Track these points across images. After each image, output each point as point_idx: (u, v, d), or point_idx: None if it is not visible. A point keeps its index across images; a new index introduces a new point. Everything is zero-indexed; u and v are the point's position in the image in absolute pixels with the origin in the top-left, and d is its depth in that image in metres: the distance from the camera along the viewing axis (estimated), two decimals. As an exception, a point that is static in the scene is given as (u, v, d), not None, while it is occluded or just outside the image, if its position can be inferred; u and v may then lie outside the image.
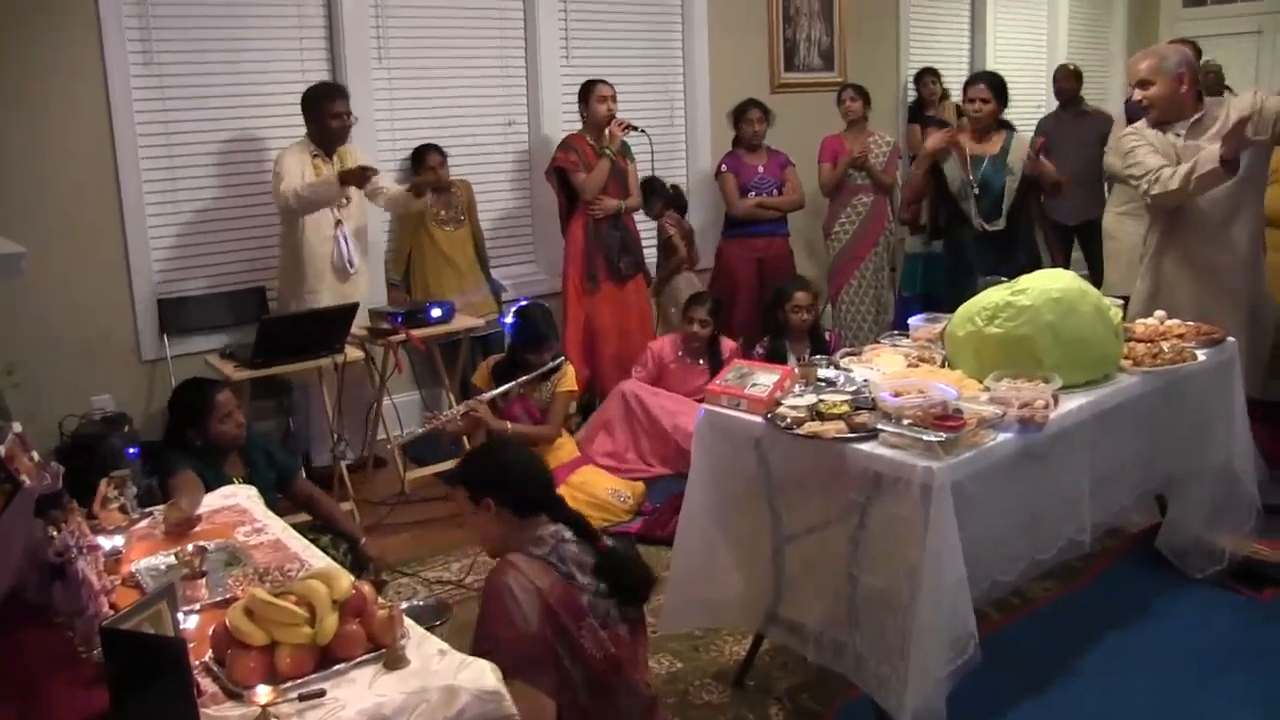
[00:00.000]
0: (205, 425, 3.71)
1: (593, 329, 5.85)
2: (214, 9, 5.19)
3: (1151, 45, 9.58)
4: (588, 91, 5.83)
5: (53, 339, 4.80)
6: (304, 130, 5.09)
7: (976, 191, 5.28)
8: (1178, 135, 4.20)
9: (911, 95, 8.33)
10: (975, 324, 3.29)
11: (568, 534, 2.60)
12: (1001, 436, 2.90)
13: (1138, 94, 4.24)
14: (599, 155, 5.77)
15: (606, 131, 5.78)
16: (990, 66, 8.79)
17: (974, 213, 5.30)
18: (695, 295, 5.66)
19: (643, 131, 5.93)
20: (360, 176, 4.94)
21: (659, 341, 5.61)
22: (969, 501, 2.71)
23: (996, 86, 5.41)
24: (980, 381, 3.18)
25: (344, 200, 5.08)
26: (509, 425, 4.74)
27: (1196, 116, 4.19)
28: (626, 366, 5.68)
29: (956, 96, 8.30)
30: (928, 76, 8.06)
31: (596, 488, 4.74)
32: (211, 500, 3.13)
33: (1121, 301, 3.79)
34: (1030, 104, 9.04)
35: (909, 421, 2.79)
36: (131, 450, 4.46)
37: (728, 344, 5.61)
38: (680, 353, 5.51)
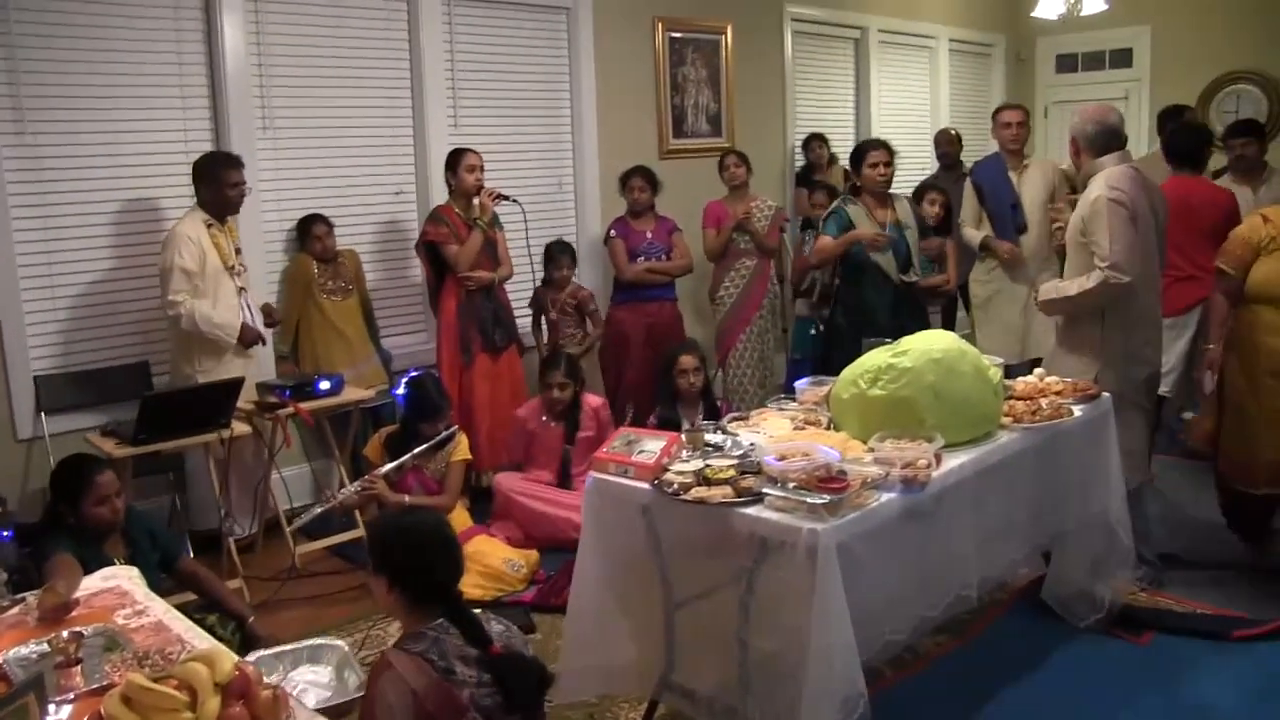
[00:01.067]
0: (79, 505, 3.64)
1: (469, 404, 5.80)
2: (92, 77, 5.12)
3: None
4: (455, 160, 5.80)
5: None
6: (189, 199, 5.05)
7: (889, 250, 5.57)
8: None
9: (799, 161, 8.53)
10: (859, 386, 3.38)
11: (451, 630, 2.49)
12: (885, 496, 2.96)
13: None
14: (470, 226, 5.77)
15: (477, 202, 5.77)
16: (875, 131, 9.08)
17: (894, 268, 5.54)
18: (549, 359, 5.65)
19: (515, 201, 5.96)
20: (256, 339, 5.12)
21: (524, 408, 5.60)
22: (856, 562, 2.76)
23: (891, 151, 5.72)
24: (864, 443, 3.26)
25: (242, 268, 5.04)
26: (406, 499, 4.71)
27: None
28: (501, 441, 5.67)
29: (844, 163, 8.57)
30: (815, 142, 8.28)
31: (491, 557, 4.72)
32: (91, 583, 3.06)
33: (1001, 361, 3.91)
34: (915, 167, 9.31)
35: (794, 484, 2.85)
36: (5, 533, 4.32)
37: (590, 400, 5.62)
38: (544, 417, 5.51)
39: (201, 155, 5.10)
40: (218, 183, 4.99)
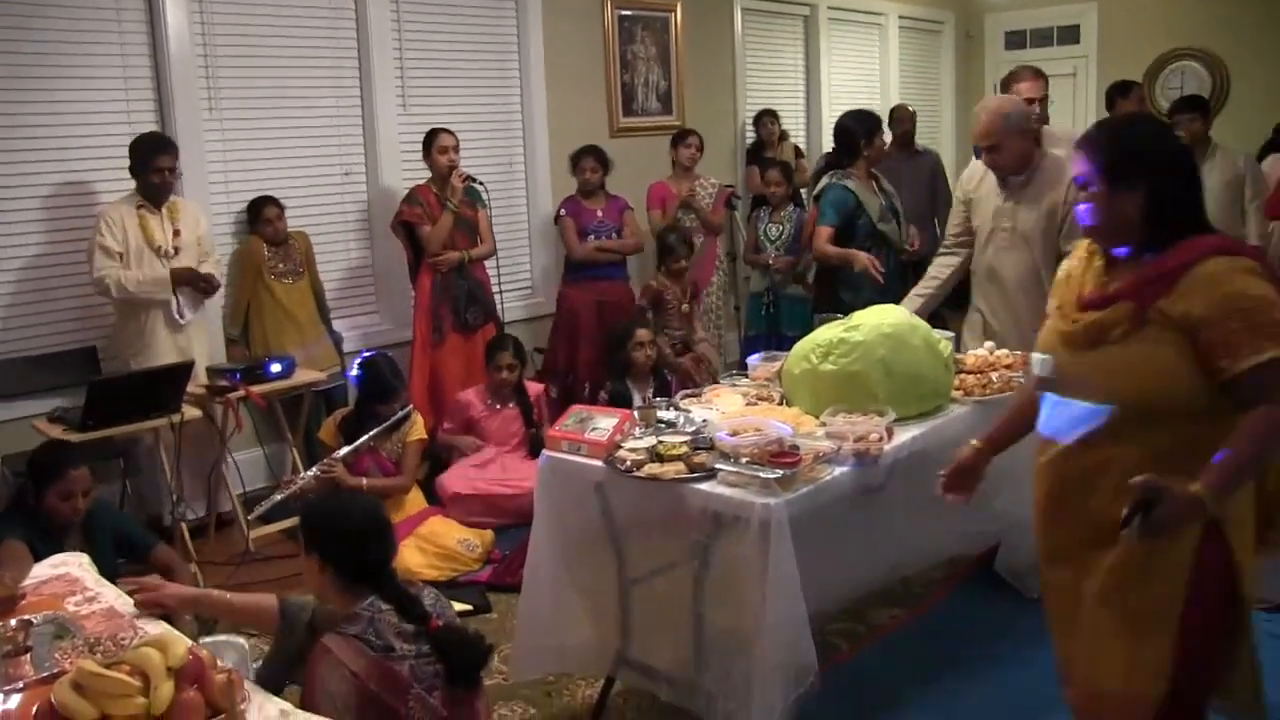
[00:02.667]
0: (43, 493, 3.64)
1: (439, 380, 5.84)
2: (34, 57, 5.03)
3: (976, 90, 10.00)
4: (429, 141, 5.88)
5: None
6: (131, 181, 4.99)
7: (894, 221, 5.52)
8: (1004, 188, 4.29)
9: (750, 137, 8.54)
10: (810, 361, 3.39)
11: (385, 607, 2.49)
12: (838, 470, 2.99)
13: (986, 159, 4.25)
14: (443, 207, 5.78)
15: (449, 184, 5.80)
16: (825, 108, 9.11)
17: (899, 235, 5.49)
18: (496, 340, 5.64)
19: (480, 184, 6.00)
20: (194, 282, 4.98)
21: (464, 394, 5.56)
22: (808, 535, 2.78)
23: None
24: (817, 418, 3.28)
25: (172, 250, 4.98)
26: (364, 481, 4.70)
27: (1027, 174, 4.24)
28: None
29: (795, 139, 8.59)
30: (766, 118, 8.27)
31: (445, 538, 4.72)
32: (40, 570, 3.02)
33: (951, 335, 3.94)
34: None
35: (746, 460, 2.86)
36: (-48, 523, 4.26)
37: (533, 387, 5.67)
38: (489, 400, 5.50)
39: (136, 137, 5.04)
40: (143, 167, 4.95)
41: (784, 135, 8.40)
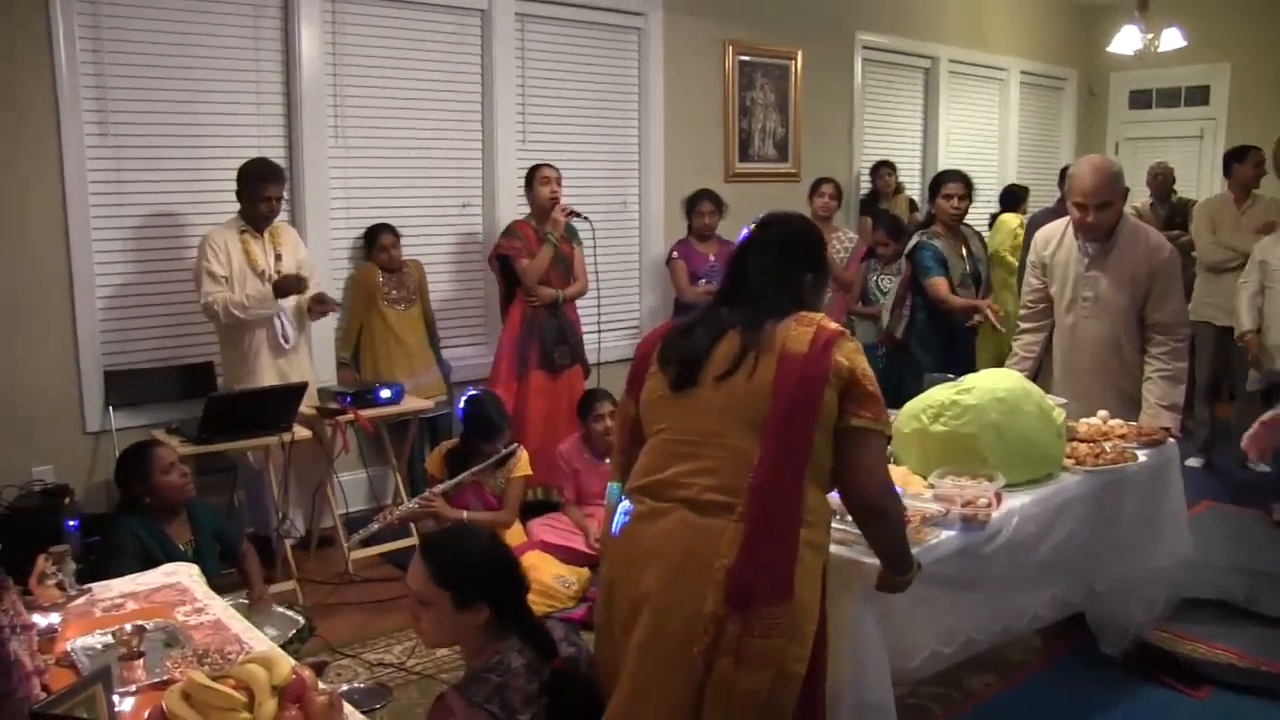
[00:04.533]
0: (150, 479, 3.82)
1: (521, 419, 5.80)
2: (172, 80, 5.24)
3: (1097, 148, 9.85)
4: (532, 175, 5.91)
5: (-5, 409, 4.75)
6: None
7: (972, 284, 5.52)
8: (1085, 255, 4.20)
9: (866, 188, 8.51)
10: (920, 421, 3.37)
11: (518, 663, 2.47)
12: (945, 534, 2.95)
13: (1092, 217, 4.05)
14: (542, 241, 5.84)
15: (551, 217, 5.85)
16: (943, 161, 9.05)
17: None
18: (593, 392, 5.52)
19: (585, 218, 6.02)
20: (295, 287, 5.02)
21: (564, 445, 5.46)
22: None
23: (969, 184, 5.66)
24: (924, 478, 3.25)
25: (274, 274, 5.05)
26: (465, 514, 4.74)
27: (1112, 239, 4.14)
28: (551, 455, 5.52)
29: (909, 192, 8.55)
30: (884, 169, 8.25)
31: (542, 573, 4.72)
32: (152, 578, 3.10)
33: (1064, 402, 3.87)
34: (980, 199, 9.25)
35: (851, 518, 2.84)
36: (72, 523, 4.42)
37: None
38: (585, 454, 5.39)
39: (245, 162, 5.10)
40: (250, 194, 5.02)
41: (900, 188, 8.36)
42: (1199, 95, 10.31)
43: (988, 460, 3.24)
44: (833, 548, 2.77)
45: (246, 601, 3.71)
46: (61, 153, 4.91)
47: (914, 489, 3.15)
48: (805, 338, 2.37)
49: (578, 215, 5.97)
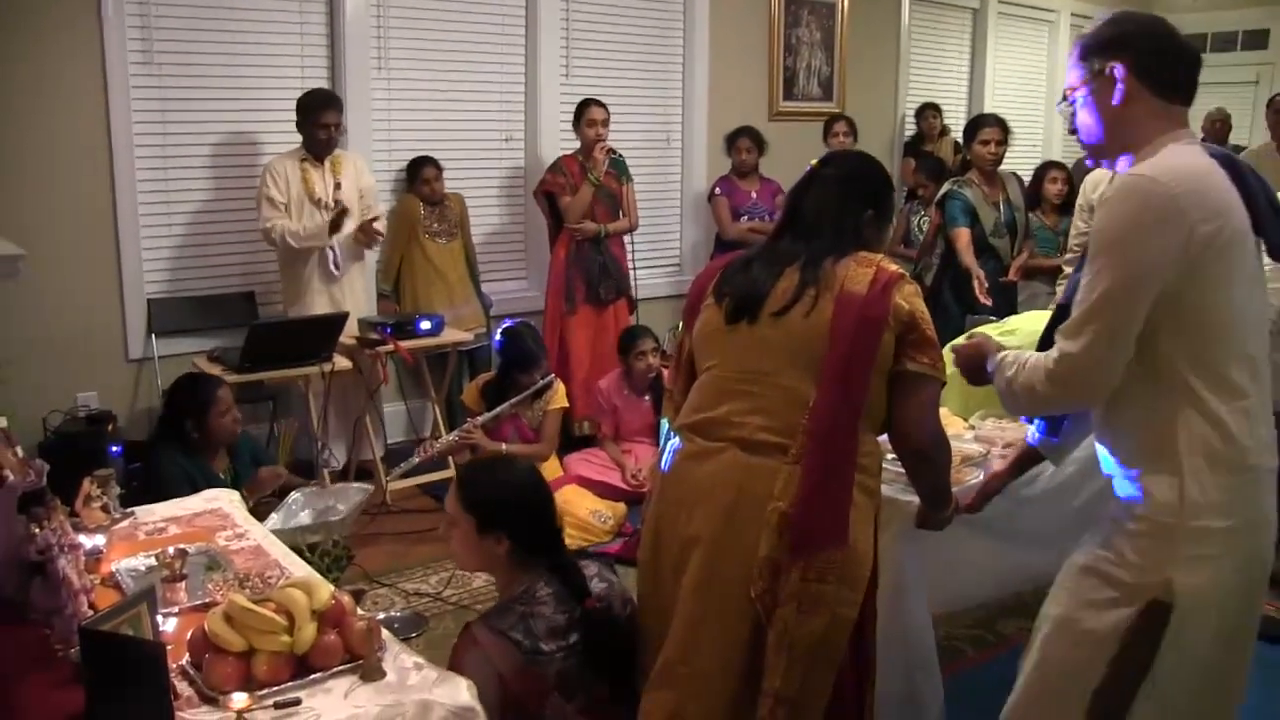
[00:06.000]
0: (205, 418, 3.93)
1: (567, 352, 5.85)
2: (216, 10, 5.22)
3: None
4: (580, 112, 5.88)
5: (41, 335, 4.79)
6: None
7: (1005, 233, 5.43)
8: None
9: (910, 129, 8.40)
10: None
11: (544, 592, 2.50)
12: (983, 475, 2.92)
13: None
14: (585, 178, 5.81)
15: (593, 157, 5.82)
16: (989, 105, 8.91)
17: (1010, 251, 5.42)
18: (634, 329, 5.55)
19: (620, 157, 5.97)
20: (338, 221, 5.05)
21: (604, 381, 5.49)
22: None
23: (1006, 128, 5.55)
24: (965, 420, 3.21)
25: (332, 203, 5.09)
26: (503, 447, 4.76)
27: None
28: (599, 390, 5.57)
29: (955, 134, 8.42)
30: (929, 111, 8.13)
31: (578, 508, 4.75)
32: (193, 503, 3.13)
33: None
34: (1026, 145, 9.12)
35: (892, 456, 2.81)
36: (115, 448, 4.47)
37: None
38: (625, 390, 5.42)
39: (304, 93, 5.15)
40: (308, 122, 5.07)
41: (945, 130, 8.24)
42: (1256, 39, 10.05)
43: (1030, 403, 3.19)
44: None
45: (314, 488, 3.70)
46: (106, 82, 4.91)
47: (955, 430, 3.12)
48: (865, 278, 2.29)
49: (615, 154, 5.92)
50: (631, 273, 6.13)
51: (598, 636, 2.51)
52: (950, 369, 2.39)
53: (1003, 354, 2.26)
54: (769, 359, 2.33)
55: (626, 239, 6.10)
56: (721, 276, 2.48)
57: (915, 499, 2.61)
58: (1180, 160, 2.02)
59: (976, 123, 5.69)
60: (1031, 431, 2.52)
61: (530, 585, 2.51)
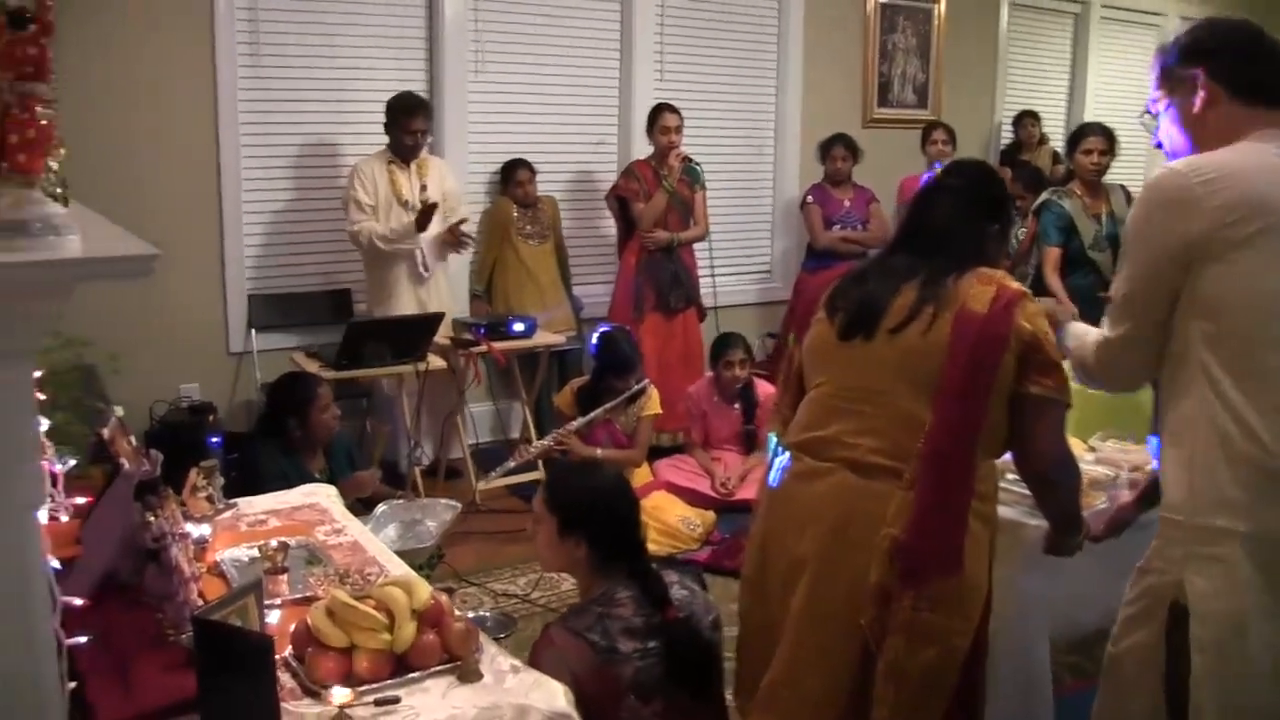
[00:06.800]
0: (307, 415, 4.01)
1: None
2: (319, 13, 5.31)
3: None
4: (653, 119, 5.84)
5: (148, 328, 4.88)
6: (399, 136, 5.20)
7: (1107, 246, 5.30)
8: None
9: (1007, 138, 8.27)
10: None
11: (623, 595, 2.51)
12: (1102, 502, 2.82)
13: None
14: (659, 184, 5.79)
15: (666, 163, 5.79)
16: (1089, 113, 8.72)
17: (1112, 265, 5.30)
18: (726, 337, 5.47)
19: (697, 165, 5.92)
20: (429, 214, 5.06)
21: (694, 387, 5.46)
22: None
23: (1111, 138, 5.41)
24: (1084, 440, 3.13)
25: (418, 205, 5.11)
26: (598, 452, 4.78)
27: None
28: (664, 398, 5.37)
29: (1054, 143, 8.26)
30: (1027, 119, 7.98)
31: (668, 514, 4.74)
32: (292, 498, 3.18)
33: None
34: (1132, 155, 8.92)
35: (1013, 476, 2.74)
36: (215, 439, 4.56)
37: (764, 387, 5.38)
38: (714, 397, 5.37)
39: (393, 96, 5.18)
40: (396, 127, 5.10)
41: (1043, 139, 8.09)
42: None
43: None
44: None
45: (397, 501, 3.74)
46: (216, 81, 5.02)
47: (1074, 452, 3.04)
48: (985, 296, 2.21)
49: (691, 161, 5.87)
50: (703, 280, 6.10)
51: (679, 647, 2.49)
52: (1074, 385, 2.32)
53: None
54: (882, 378, 2.27)
55: (698, 246, 6.06)
56: (834, 290, 2.42)
57: (1041, 523, 2.54)
58: (1223, 155, 2.01)
59: (1080, 132, 5.57)
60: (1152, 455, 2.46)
61: (609, 589, 2.52)
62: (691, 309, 6.01)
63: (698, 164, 5.94)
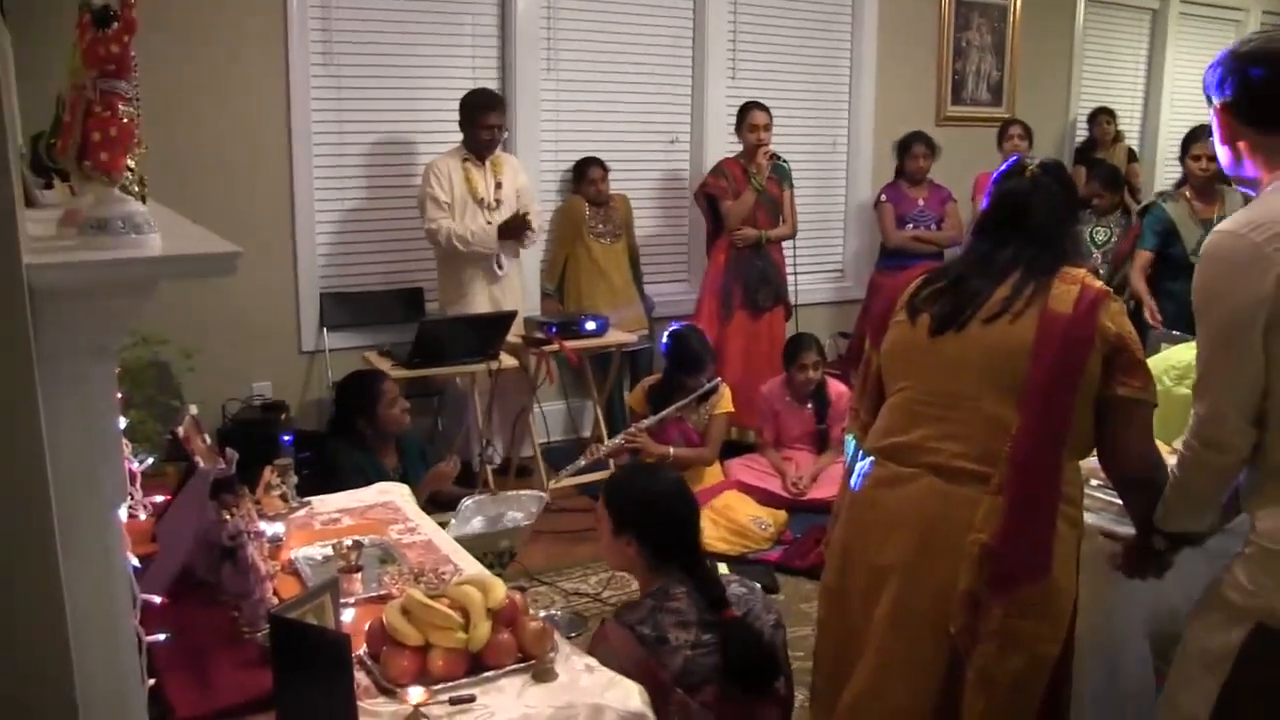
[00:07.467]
0: (375, 411, 4.02)
1: (721, 358, 5.69)
2: (392, 10, 5.33)
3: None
4: (742, 116, 5.83)
5: (220, 326, 4.92)
6: (467, 135, 5.21)
7: None
8: None
9: (1082, 135, 8.12)
10: (1163, 383, 3.15)
11: (679, 590, 2.52)
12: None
13: None
14: (748, 182, 5.76)
15: (755, 162, 5.77)
16: (1166, 110, 8.59)
17: None
18: (800, 338, 5.41)
19: (785, 162, 5.89)
20: (518, 232, 5.10)
21: (767, 386, 5.41)
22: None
23: None
24: (1168, 444, 3.05)
25: (494, 202, 5.15)
26: (670, 451, 4.76)
27: None
28: (748, 396, 5.48)
29: (1129, 141, 8.10)
30: (1102, 116, 7.82)
31: (738, 513, 4.71)
32: (366, 495, 3.19)
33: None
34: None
35: (1098, 482, 2.67)
36: (287, 437, 4.59)
37: (836, 387, 5.33)
38: (787, 397, 5.32)
39: (467, 92, 5.19)
40: (472, 123, 5.11)
41: (1119, 136, 7.93)
42: None
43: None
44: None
45: (481, 496, 3.70)
46: (289, 81, 5.06)
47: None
48: (1069, 296, 2.17)
49: (779, 159, 5.85)
50: (791, 279, 6.05)
51: (737, 645, 2.49)
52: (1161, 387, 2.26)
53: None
54: (966, 382, 2.22)
55: (786, 245, 6.02)
56: (915, 292, 2.37)
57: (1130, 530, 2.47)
58: (1271, 205, 1.96)
59: (1191, 136, 5.41)
60: None
61: (665, 584, 2.55)
62: (779, 307, 5.98)
63: (786, 162, 5.90)
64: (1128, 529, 2.40)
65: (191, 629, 2.13)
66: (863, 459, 2.39)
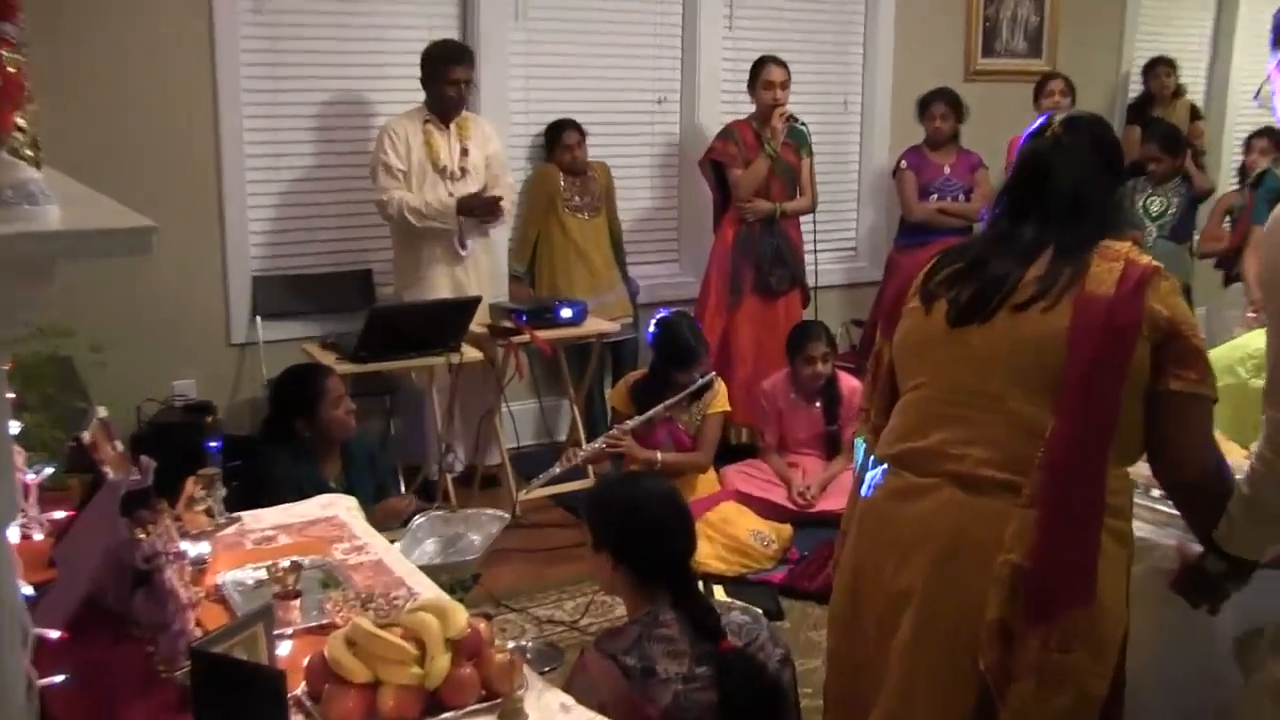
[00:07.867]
0: (316, 413, 4.00)
1: (729, 349, 5.79)
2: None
3: None
4: (756, 72, 5.82)
5: (136, 314, 4.91)
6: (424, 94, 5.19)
7: None
8: None
9: (1136, 90, 8.11)
10: (1238, 375, 3.17)
11: (668, 616, 2.52)
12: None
13: None
14: (761, 149, 5.75)
15: (769, 124, 5.76)
16: (1238, 58, 8.56)
17: None
18: (806, 326, 5.45)
19: (804, 125, 5.91)
20: (484, 208, 5.09)
21: (768, 382, 5.41)
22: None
23: None
24: (1244, 447, 3.05)
25: (458, 172, 5.15)
26: (658, 456, 4.76)
27: None
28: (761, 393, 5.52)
29: (1191, 95, 8.07)
30: (1160, 68, 7.78)
31: (737, 528, 4.71)
32: (307, 509, 3.17)
33: None
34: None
35: (1159, 493, 2.64)
36: (214, 443, 4.56)
37: (847, 381, 5.33)
38: (792, 394, 5.33)
39: (430, 44, 5.18)
40: (435, 78, 5.09)
41: (1179, 91, 7.90)
42: None
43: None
44: (1139, 528, 2.63)
45: (441, 513, 3.69)
46: (213, 30, 5.03)
47: (1232, 460, 2.95)
48: (1111, 275, 2.13)
49: (797, 121, 5.85)
50: (809, 259, 6.05)
51: (736, 681, 2.48)
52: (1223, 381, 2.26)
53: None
54: (991, 377, 2.20)
55: (804, 221, 6.02)
56: (929, 274, 2.34)
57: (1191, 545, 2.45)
58: None
59: None
60: None
61: (654, 609, 2.55)
62: (795, 291, 5.99)
63: (804, 125, 5.91)
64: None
65: (97, 668, 2.11)
66: (874, 466, 2.37)
